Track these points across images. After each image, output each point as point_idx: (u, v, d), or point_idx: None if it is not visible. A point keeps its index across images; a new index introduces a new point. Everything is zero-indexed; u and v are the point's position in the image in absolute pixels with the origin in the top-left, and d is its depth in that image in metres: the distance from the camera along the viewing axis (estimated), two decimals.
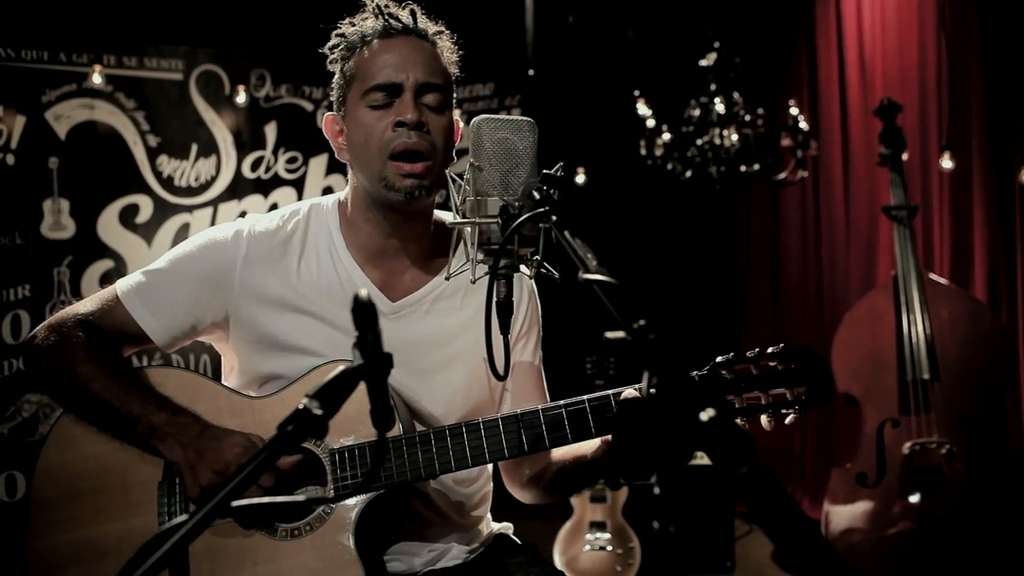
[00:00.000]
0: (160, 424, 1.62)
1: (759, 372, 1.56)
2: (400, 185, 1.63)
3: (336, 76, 1.75)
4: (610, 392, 1.60)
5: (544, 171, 1.36)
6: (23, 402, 4.24)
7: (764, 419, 1.56)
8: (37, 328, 1.73)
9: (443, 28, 1.73)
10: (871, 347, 3.70)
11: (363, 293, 1.02)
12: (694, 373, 1.58)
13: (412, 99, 1.64)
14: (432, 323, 1.74)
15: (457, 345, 1.74)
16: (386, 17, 1.69)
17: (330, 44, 1.75)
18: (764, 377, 1.56)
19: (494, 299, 1.34)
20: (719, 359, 1.58)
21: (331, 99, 1.79)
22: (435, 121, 1.66)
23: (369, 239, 1.73)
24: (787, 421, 1.57)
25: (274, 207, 4.80)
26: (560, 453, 1.75)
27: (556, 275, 1.41)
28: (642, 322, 0.96)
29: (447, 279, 1.68)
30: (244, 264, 1.71)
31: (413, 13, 1.70)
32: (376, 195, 1.68)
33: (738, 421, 1.57)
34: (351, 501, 1.61)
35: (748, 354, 1.58)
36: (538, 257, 1.37)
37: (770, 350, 1.58)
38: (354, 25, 1.72)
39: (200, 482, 1.59)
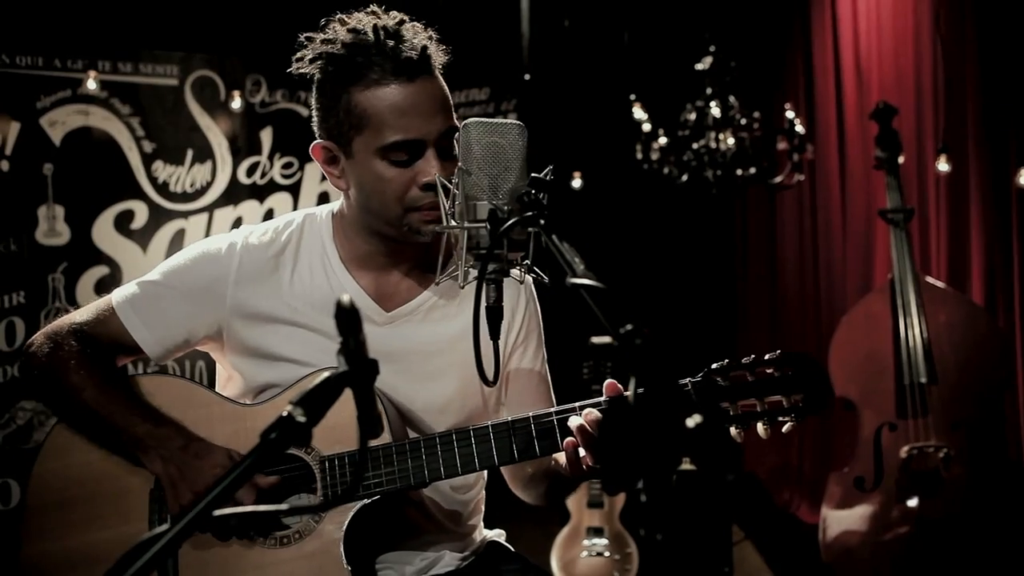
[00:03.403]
0: (143, 435, 1.61)
1: (755, 379, 1.54)
2: (425, 230, 1.62)
3: (324, 97, 1.62)
4: (601, 400, 1.58)
5: (533, 175, 1.35)
6: (17, 409, 4.22)
7: (760, 427, 1.54)
8: (35, 335, 1.73)
9: (434, 35, 1.63)
10: (868, 351, 3.70)
11: (345, 299, 1.01)
12: (688, 380, 1.56)
13: (436, 155, 1.58)
14: (427, 332, 1.73)
15: (452, 354, 1.73)
16: (397, 55, 1.56)
17: (315, 54, 1.62)
18: (760, 384, 1.53)
19: (482, 304, 1.33)
20: (714, 366, 1.56)
21: (314, 118, 1.67)
22: (452, 163, 1.59)
23: (364, 254, 1.72)
24: (784, 429, 1.55)
25: (270, 213, 4.80)
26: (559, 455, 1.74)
27: (546, 279, 1.39)
28: (628, 327, 0.95)
29: (437, 283, 1.67)
30: (237, 278, 1.70)
31: (425, 48, 1.59)
32: (389, 233, 1.66)
33: (733, 429, 1.54)
34: (341, 509, 1.60)
35: (744, 360, 1.55)
36: (528, 261, 1.36)
37: (767, 356, 1.55)
38: (345, 27, 1.60)
39: (181, 501, 1.58)
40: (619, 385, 1.56)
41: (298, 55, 1.66)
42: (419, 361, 1.71)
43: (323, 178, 4.86)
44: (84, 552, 1.64)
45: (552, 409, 1.61)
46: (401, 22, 1.61)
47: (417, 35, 1.60)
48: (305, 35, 1.65)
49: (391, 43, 1.57)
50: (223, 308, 1.70)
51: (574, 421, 1.54)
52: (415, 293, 1.74)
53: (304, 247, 1.74)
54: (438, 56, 1.62)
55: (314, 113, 1.67)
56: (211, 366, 1.89)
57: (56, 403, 1.71)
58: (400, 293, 1.73)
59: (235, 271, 1.70)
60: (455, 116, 1.63)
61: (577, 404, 1.60)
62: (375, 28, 1.58)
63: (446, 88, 1.63)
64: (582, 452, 1.55)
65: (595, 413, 1.54)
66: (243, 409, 1.68)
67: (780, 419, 1.54)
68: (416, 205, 1.60)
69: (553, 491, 1.80)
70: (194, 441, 1.62)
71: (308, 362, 1.67)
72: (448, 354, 1.73)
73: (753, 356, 1.56)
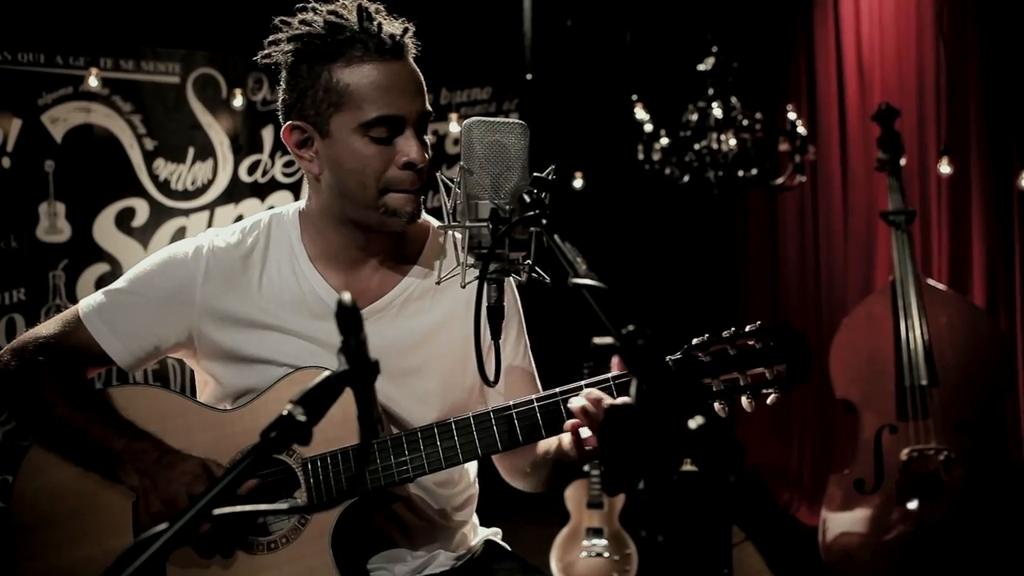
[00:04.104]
0: (120, 451, 1.60)
1: (736, 352, 1.51)
2: (404, 211, 1.61)
3: (300, 77, 1.61)
4: (582, 383, 1.57)
5: (535, 175, 1.35)
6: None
7: (744, 400, 1.52)
8: (1, 351, 1.70)
9: (411, 26, 1.62)
10: (869, 353, 3.69)
11: (346, 297, 1.00)
12: (667, 357, 1.53)
13: (415, 136, 1.59)
14: (403, 326, 1.71)
15: (430, 347, 1.72)
16: (380, 33, 1.57)
17: (294, 34, 1.60)
18: (741, 357, 1.51)
19: (483, 304, 1.32)
20: (694, 341, 1.54)
21: (285, 100, 1.64)
22: (426, 147, 1.62)
23: (335, 249, 1.70)
24: (769, 401, 1.53)
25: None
26: (546, 442, 1.70)
27: (547, 279, 1.39)
28: (631, 327, 0.95)
29: (438, 283, 1.66)
30: (204, 282, 1.68)
31: (406, 30, 1.60)
32: (363, 218, 1.64)
33: (717, 405, 1.53)
34: (327, 511, 1.59)
35: (724, 334, 1.53)
36: (529, 261, 1.36)
37: (747, 328, 1.53)
38: (324, 9, 1.60)
39: (151, 510, 1.57)
40: None
41: (271, 38, 1.64)
42: (396, 358, 1.68)
43: None
44: (72, 569, 1.63)
45: (533, 396, 1.59)
46: (378, 9, 1.62)
47: (396, 20, 1.62)
48: (280, 19, 1.64)
49: (373, 23, 1.58)
50: (192, 313, 1.68)
51: (576, 402, 1.52)
52: (387, 288, 1.72)
53: (272, 247, 1.72)
54: (413, 44, 1.62)
55: (284, 96, 1.64)
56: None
57: (28, 421, 1.70)
58: (372, 289, 1.71)
59: (202, 275, 1.68)
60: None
61: (558, 389, 1.58)
62: (358, 9, 1.59)
63: (421, 75, 1.63)
64: (586, 433, 1.53)
65: (596, 392, 1.52)
66: (221, 415, 1.67)
67: (764, 391, 1.52)
68: (394, 186, 1.59)
69: (556, 476, 1.76)
70: (168, 452, 1.61)
71: (284, 363, 1.66)
72: (425, 348, 1.71)
73: (733, 329, 1.54)
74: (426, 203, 1.68)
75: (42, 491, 1.66)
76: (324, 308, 1.67)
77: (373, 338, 1.66)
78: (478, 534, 1.88)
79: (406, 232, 1.69)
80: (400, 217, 1.61)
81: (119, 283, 1.72)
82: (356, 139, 1.58)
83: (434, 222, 1.78)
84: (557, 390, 1.59)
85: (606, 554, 3.92)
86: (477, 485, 1.87)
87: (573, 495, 4.04)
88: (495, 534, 1.90)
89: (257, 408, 1.64)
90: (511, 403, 1.59)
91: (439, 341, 1.72)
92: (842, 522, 3.65)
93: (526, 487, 1.83)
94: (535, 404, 1.58)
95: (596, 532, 3.98)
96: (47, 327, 1.71)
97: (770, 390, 1.52)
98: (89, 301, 1.71)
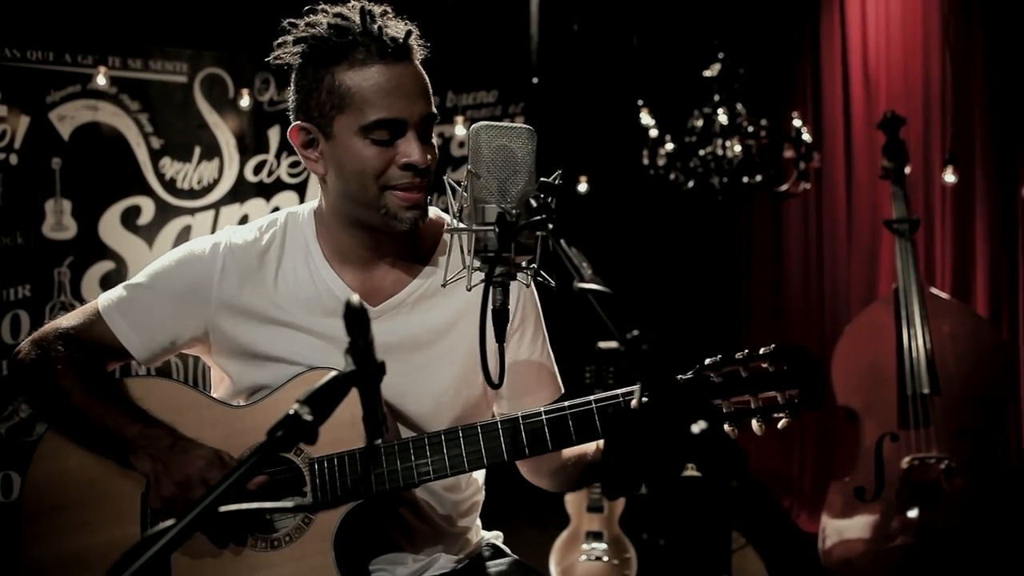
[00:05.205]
0: (133, 436, 1.62)
1: (748, 374, 1.50)
2: (404, 216, 1.62)
3: (306, 79, 1.63)
4: (591, 398, 1.58)
5: (542, 179, 1.35)
6: (20, 402, 4.23)
7: (755, 424, 1.51)
8: (22, 342, 1.73)
9: (414, 28, 1.63)
10: (871, 360, 3.69)
11: (354, 299, 1.01)
12: (679, 377, 1.53)
13: (417, 138, 1.59)
14: (416, 323, 1.72)
15: (444, 343, 1.73)
16: (382, 36, 1.58)
17: (299, 36, 1.63)
18: (754, 380, 1.50)
19: (489, 307, 1.33)
20: (707, 361, 1.53)
21: (292, 101, 1.68)
22: (431, 149, 1.63)
23: (348, 248, 1.72)
24: (779, 425, 1.52)
25: (276, 211, 4.80)
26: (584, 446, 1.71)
27: (552, 283, 1.39)
28: (635, 332, 0.95)
29: (443, 286, 1.67)
30: (221, 278, 1.70)
31: (409, 32, 1.61)
32: (368, 219, 1.65)
33: (727, 427, 1.51)
34: (331, 511, 1.60)
35: (737, 355, 1.52)
36: (535, 265, 1.36)
37: (761, 350, 1.52)
38: (326, 15, 1.61)
39: (162, 493, 1.58)
40: None
41: (279, 41, 1.66)
42: (411, 353, 1.70)
43: None
44: (77, 556, 1.64)
45: (541, 408, 1.60)
46: (384, 12, 1.63)
47: (400, 23, 1.62)
48: (288, 20, 1.65)
49: (376, 26, 1.59)
50: (208, 309, 1.70)
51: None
52: (401, 286, 1.73)
53: (288, 246, 1.74)
54: (420, 46, 1.63)
55: (293, 97, 1.67)
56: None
57: (45, 407, 1.72)
58: (386, 287, 1.73)
59: (219, 271, 1.70)
60: (434, 103, 1.65)
61: (567, 403, 1.59)
62: (361, 11, 1.60)
63: (427, 77, 1.64)
64: None
65: None
66: (233, 411, 1.68)
67: (775, 415, 1.50)
68: (393, 183, 1.60)
69: (586, 478, 1.77)
70: (182, 439, 1.62)
71: (297, 361, 1.67)
72: (439, 343, 1.73)
73: (747, 350, 1.52)
74: (432, 204, 1.69)
75: (53, 477, 1.68)
76: (338, 306, 1.68)
77: (388, 335, 1.69)
78: (480, 537, 1.88)
79: (418, 230, 1.69)
80: (401, 221, 1.62)
81: (138, 278, 1.74)
82: (357, 141, 1.59)
83: (448, 220, 1.79)
84: (566, 404, 1.60)
85: (605, 558, 3.93)
86: (483, 491, 1.88)
87: (573, 499, 4.05)
88: (496, 537, 1.91)
89: (268, 406, 1.66)
90: (519, 414, 1.60)
91: (452, 337, 1.73)
92: (842, 529, 3.65)
93: (549, 486, 1.84)
94: (543, 416, 1.59)
95: (596, 536, 3.98)
96: (68, 319, 1.73)
97: (781, 414, 1.50)
98: (109, 295, 1.73)
